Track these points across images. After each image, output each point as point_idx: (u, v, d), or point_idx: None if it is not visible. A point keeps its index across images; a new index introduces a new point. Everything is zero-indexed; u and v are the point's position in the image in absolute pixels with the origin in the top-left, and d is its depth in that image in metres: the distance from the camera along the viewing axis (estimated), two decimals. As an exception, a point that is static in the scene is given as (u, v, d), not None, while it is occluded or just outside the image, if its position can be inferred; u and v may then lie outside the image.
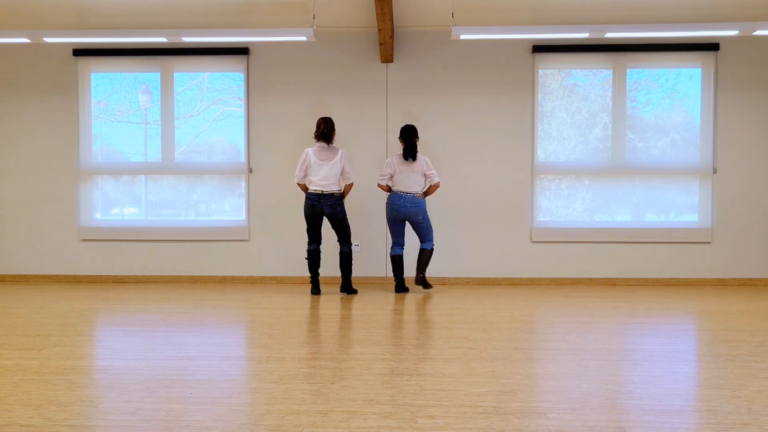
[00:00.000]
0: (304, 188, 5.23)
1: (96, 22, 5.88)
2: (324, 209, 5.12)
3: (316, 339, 3.59)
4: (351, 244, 5.27)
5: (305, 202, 5.15)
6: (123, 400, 2.47)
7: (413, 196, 5.24)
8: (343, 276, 5.28)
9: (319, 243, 5.26)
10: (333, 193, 5.11)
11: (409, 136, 5.25)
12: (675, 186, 5.99)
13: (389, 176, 5.28)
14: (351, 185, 5.26)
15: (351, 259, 5.26)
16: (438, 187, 5.34)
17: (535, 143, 5.96)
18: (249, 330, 3.87)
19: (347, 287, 5.29)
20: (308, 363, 3.05)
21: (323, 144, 5.16)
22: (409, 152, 5.23)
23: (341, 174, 5.17)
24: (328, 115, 5.86)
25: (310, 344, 3.45)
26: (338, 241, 5.28)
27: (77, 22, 5.89)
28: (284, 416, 2.30)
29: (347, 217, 5.31)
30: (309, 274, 5.35)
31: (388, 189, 5.36)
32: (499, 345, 3.45)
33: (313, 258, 5.22)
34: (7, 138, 6.15)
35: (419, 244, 5.54)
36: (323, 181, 5.09)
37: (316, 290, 5.24)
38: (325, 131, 5.13)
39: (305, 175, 5.20)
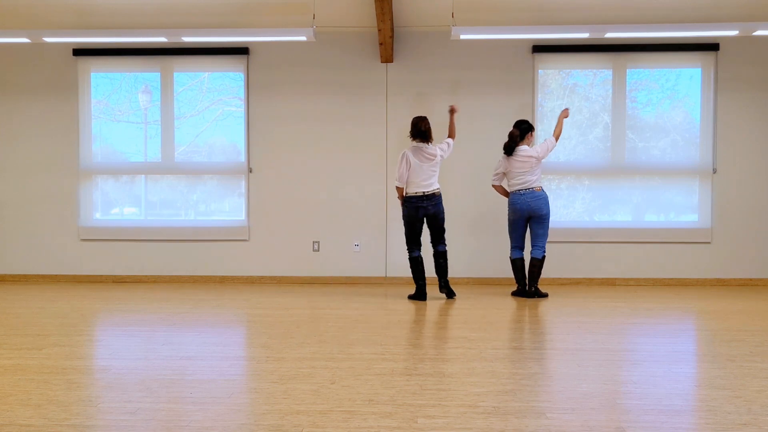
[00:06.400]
0: (403, 192, 4.98)
1: (96, 22, 5.88)
2: (429, 210, 4.92)
3: (316, 339, 3.58)
4: (446, 243, 5.09)
5: (407, 207, 4.92)
6: (123, 400, 2.47)
7: (532, 191, 5.05)
8: (441, 277, 5.04)
9: (421, 248, 5.05)
10: (434, 193, 4.93)
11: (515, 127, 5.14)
12: (675, 186, 5.99)
13: (502, 175, 5.17)
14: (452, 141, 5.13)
15: (447, 259, 5.08)
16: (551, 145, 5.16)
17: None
18: (249, 330, 3.87)
19: (447, 288, 5.06)
20: (308, 363, 3.05)
21: (419, 144, 4.94)
22: (507, 148, 5.09)
23: (439, 160, 4.98)
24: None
25: (310, 344, 3.45)
26: (432, 242, 5.02)
27: (77, 22, 5.89)
28: (284, 416, 2.30)
29: None
30: (414, 281, 5.07)
31: (504, 192, 5.22)
32: (499, 345, 3.45)
33: (418, 265, 5.01)
34: (7, 138, 6.15)
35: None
36: (425, 182, 4.92)
37: (422, 296, 5.03)
38: (422, 129, 4.92)
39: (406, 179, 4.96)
